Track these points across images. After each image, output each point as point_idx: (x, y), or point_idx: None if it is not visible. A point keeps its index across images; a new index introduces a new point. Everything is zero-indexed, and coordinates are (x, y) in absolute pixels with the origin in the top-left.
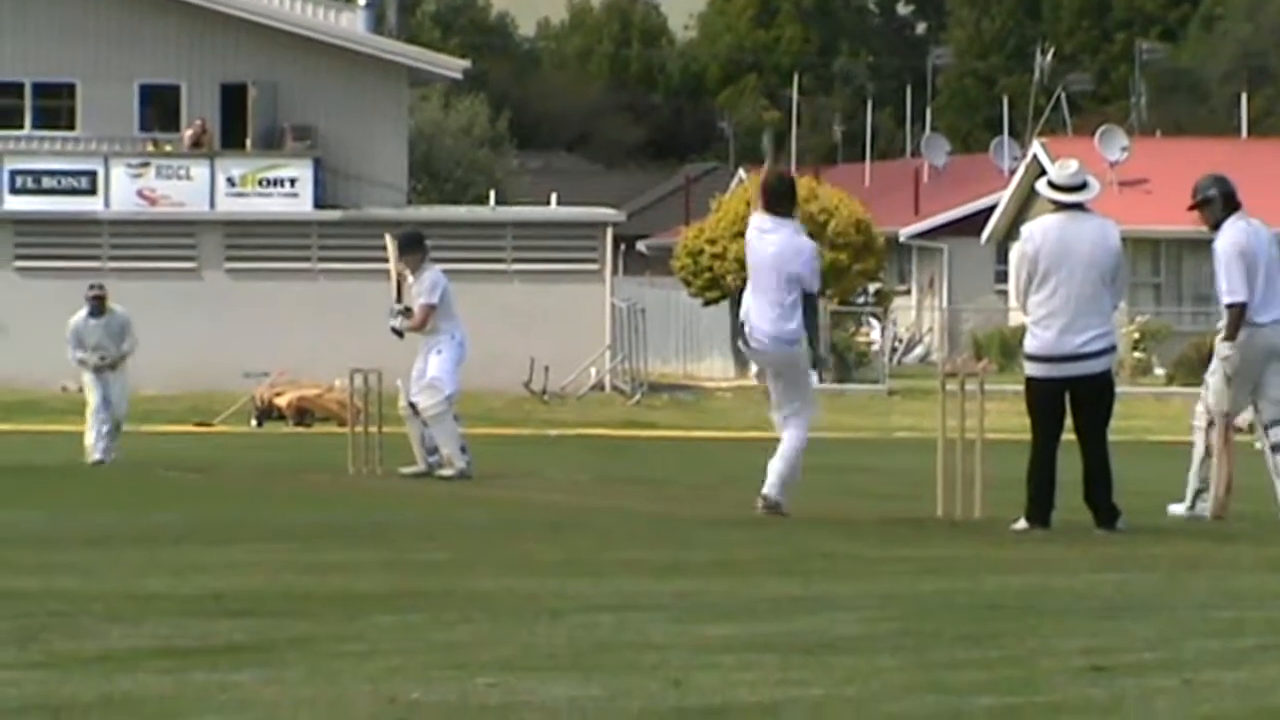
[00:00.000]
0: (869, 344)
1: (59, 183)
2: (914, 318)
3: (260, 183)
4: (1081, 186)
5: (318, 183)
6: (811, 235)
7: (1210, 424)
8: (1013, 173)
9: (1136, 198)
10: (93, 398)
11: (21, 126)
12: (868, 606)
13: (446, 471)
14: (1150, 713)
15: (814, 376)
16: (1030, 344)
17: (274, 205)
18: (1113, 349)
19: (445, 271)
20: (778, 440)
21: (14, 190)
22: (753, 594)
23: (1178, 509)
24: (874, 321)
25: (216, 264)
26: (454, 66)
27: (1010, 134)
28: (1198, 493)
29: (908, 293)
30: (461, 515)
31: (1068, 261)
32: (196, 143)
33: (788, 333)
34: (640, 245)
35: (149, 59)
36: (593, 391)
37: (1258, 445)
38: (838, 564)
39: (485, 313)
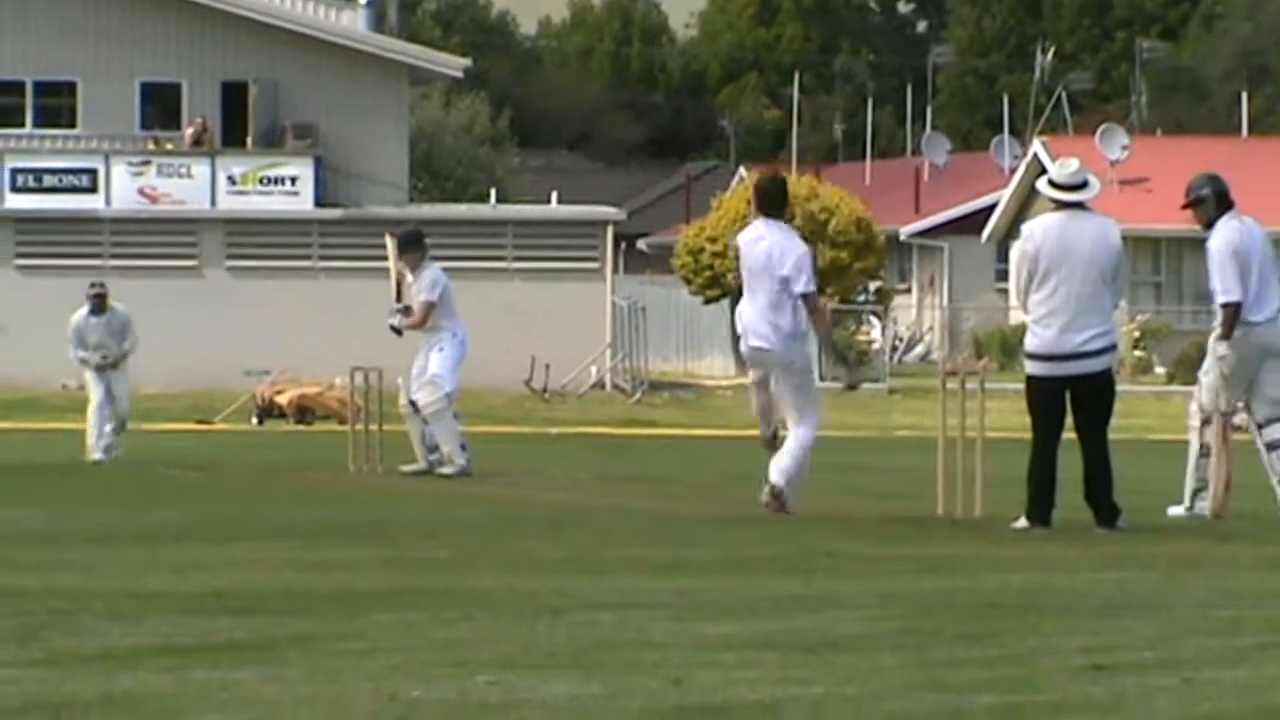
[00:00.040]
0: (870, 343)
1: (60, 181)
2: (914, 316)
3: (261, 181)
4: (1082, 185)
5: (318, 181)
6: (805, 238)
7: (1205, 422)
8: (1013, 171)
9: (1137, 196)
10: (94, 396)
11: (22, 125)
12: (868, 605)
13: (447, 469)
14: (1150, 711)
15: (815, 375)
16: (1031, 343)
17: (275, 203)
18: (1113, 348)
19: (446, 270)
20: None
21: (15, 188)
22: (753, 592)
23: (1177, 510)
24: (875, 320)
25: (217, 262)
26: (455, 65)
27: (1011, 132)
28: (1196, 492)
29: (908, 291)
30: (462, 513)
31: (1068, 260)
32: (197, 141)
33: (786, 332)
34: (641, 244)
35: (150, 57)
36: (593, 390)
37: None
38: (839, 562)
39: (486, 311)
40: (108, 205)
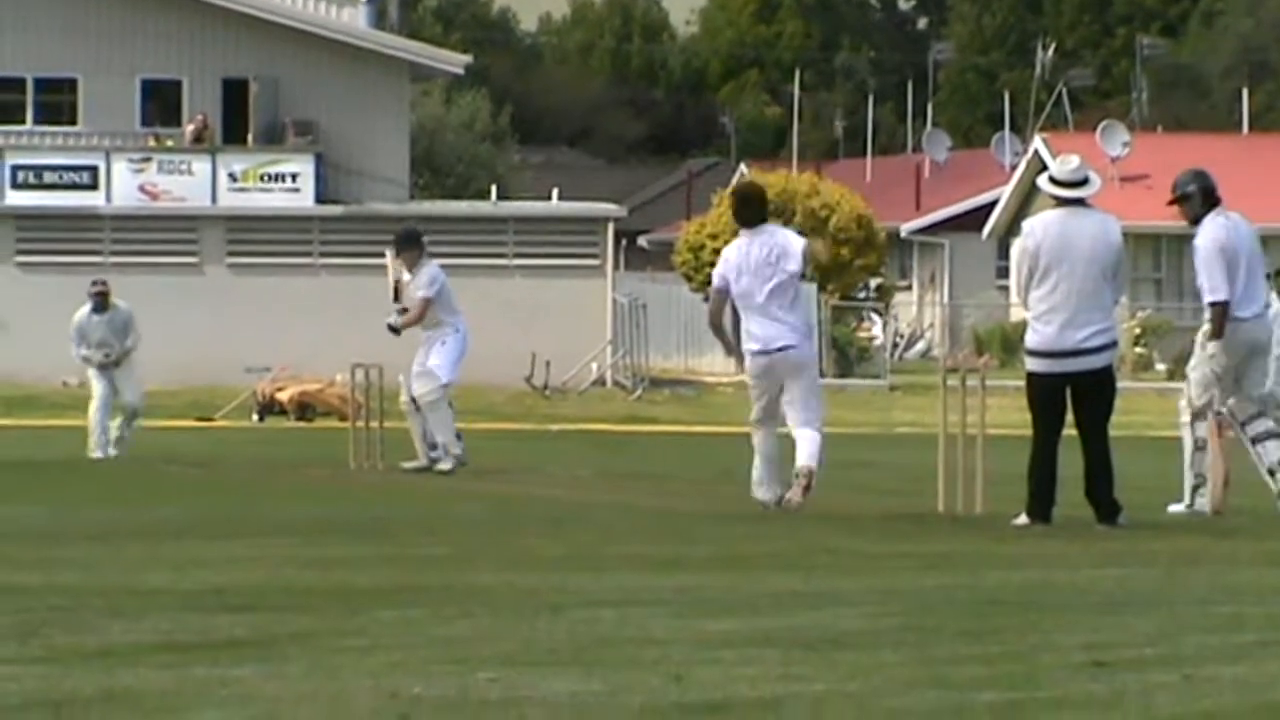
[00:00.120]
0: (870, 339)
1: (60, 178)
2: (915, 313)
3: (262, 178)
4: (1083, 182)
5: (319, 178)
6: (801, 233)
7: (1195, 417)
8: (1014, 168)
9: (1137, 193)
10: (96, 394)
11: (23, 121)
12: (869, 602)
13: (445, 465)
14: (1150, 708)
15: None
16: (1031, 339)
17: (275, 200)
18: (1114, 344)
19: (447, 267)
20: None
21: (15, 185)
22: (754, 589)
23: (1177, 508)
24: (875, 317)
25: (218, 259)
26: (456, 62)
27: (1011, 129)
28: (1195, 488)
29: (909, 288)
30: (462, 510)
31: (1069, 257)
32: (198, 138)
33: (803, 331)
34: (641, 240)
35: (150, 54)
36: (594, 386)
37: None
38: (839, 559)
39: (486, 308)
40: (108, 202)
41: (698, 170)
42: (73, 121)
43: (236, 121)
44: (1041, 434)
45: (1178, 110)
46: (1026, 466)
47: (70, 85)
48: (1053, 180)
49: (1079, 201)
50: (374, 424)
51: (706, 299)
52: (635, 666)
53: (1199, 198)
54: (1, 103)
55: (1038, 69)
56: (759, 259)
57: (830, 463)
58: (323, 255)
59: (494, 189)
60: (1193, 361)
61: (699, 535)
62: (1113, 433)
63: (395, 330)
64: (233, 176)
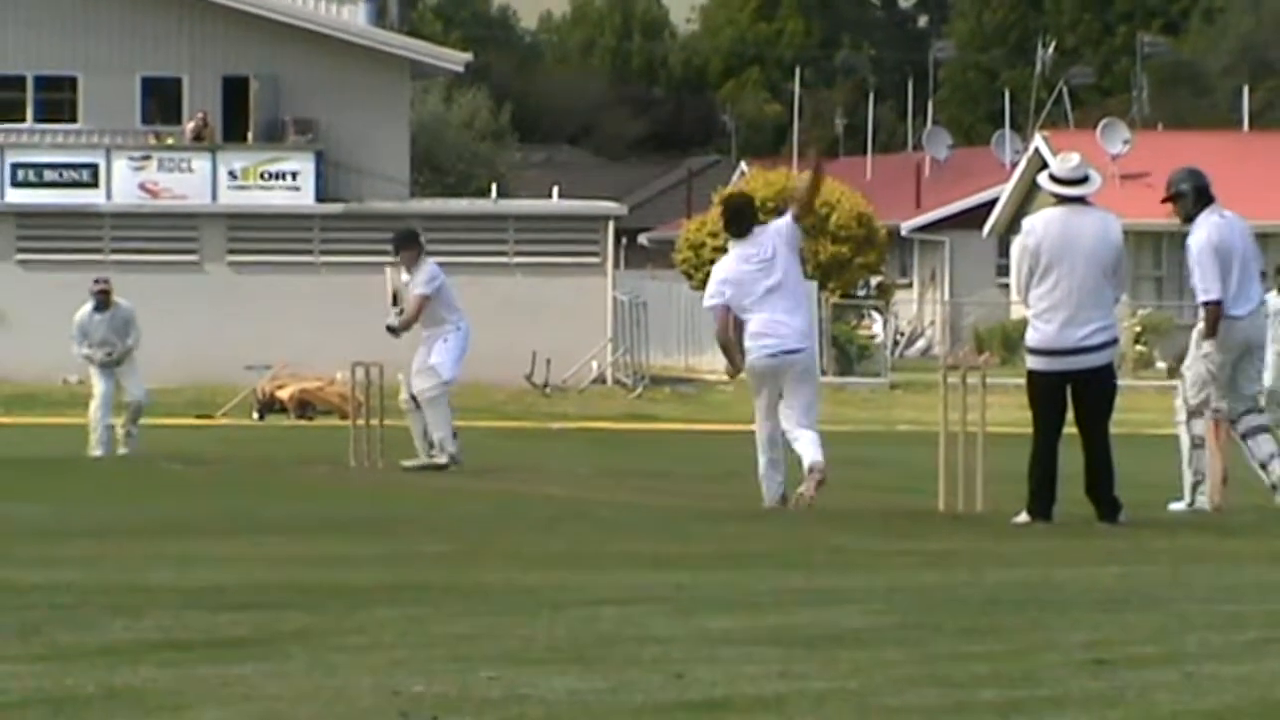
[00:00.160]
0: (871, 337)
1: (61, 175)
2: (916, 311)
3: (262, 176)
4: (1083, 180)
5: (319, 176)
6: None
7: (1191, 415)
8: (1014, 166)
9: (1138, 191)
10: (98, 392)
11: (23, 119)
12: (870, 599)
13: (440, 459)
14: (1152, 706)
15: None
16: (1032, 337)
17: (276, 198)
18: (1114, 342)
19: (447, 265)
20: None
21: (15, 183)
22: (755, 587)
23: (1178, 506)
24: (876, 315)
25: (218, 257)
26: (456, 60)
27: (1012, 127)
28: (1195, 485)
29: (909, 286)
30: (463, 508)
31: (1069, 255)
32: (198, 136)
33: (809, 331)
34: (642, 238)
35: (151, 52)
36: (594, 385)
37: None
38: (840, 557)
39: (487, 306)
40: (109, 200)
41: (698, 168)
42: (73, 119)
43: (237, 119)
44: (1042, 432)
45: (1178, 108)
46: (1027, 464)
47: (70, 83)
48: (1053, 178)
49: (1079, 199)
50: (374, 422)
51: (709, 296)
52: (636, 664)
53: (1192, 196)
54: (2, 100)
55: (1038, 67)
56: (755, 260)
57: (831, 461)
58: (323, 253)
59: (494, 187)
60: (1188, 360)
61: (699, 533)
62: (1113, 430)
63: (394, 331)
64: (233, 174)
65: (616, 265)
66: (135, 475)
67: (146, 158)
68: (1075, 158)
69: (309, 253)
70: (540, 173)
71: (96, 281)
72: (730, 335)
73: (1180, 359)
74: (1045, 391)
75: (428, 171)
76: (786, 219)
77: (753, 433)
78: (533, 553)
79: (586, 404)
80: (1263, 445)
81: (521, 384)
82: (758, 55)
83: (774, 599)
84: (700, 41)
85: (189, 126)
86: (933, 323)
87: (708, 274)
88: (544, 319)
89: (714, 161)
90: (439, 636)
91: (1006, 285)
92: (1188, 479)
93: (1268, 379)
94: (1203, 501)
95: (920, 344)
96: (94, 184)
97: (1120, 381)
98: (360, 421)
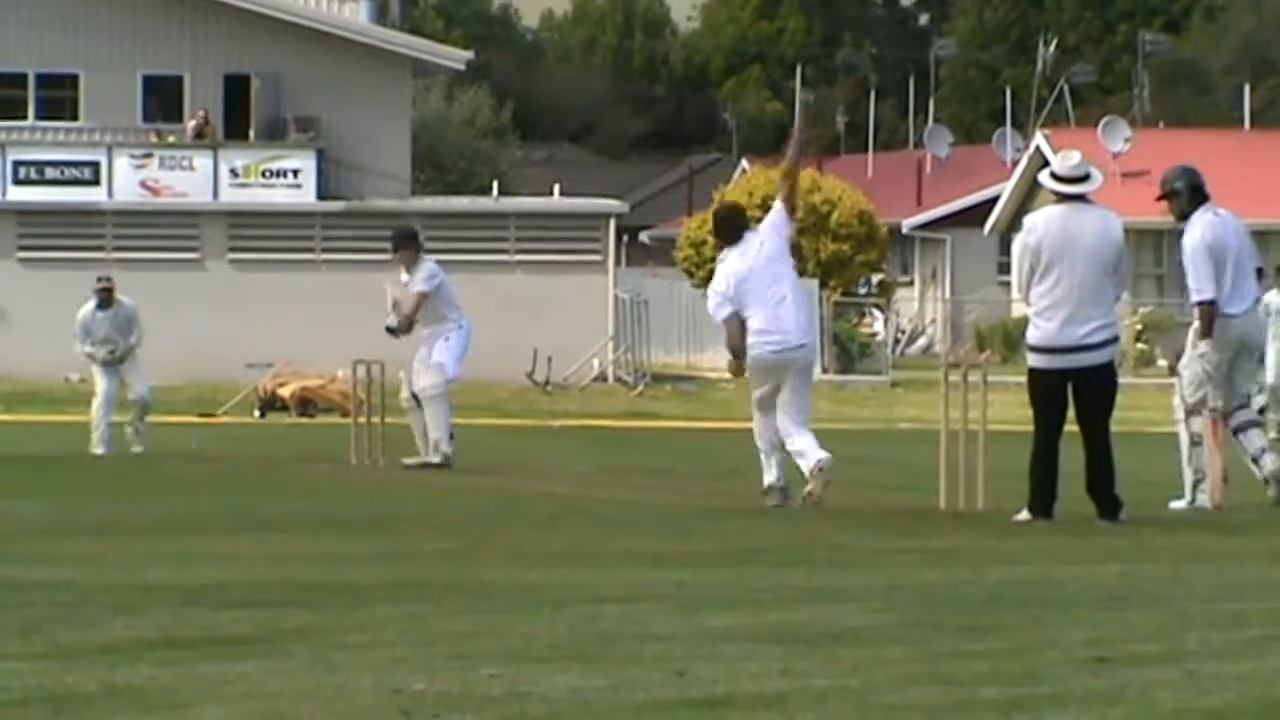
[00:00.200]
0: (872, 335)
1: (62, 173)
2: (917, 309)
3: (263, 174)
4: (1084, 178)
5: (321, 174)
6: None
7: (1190, 413)
8: (1015, 164)
9: (1139, 189)
10: (100, 390)
11: (25, 117)
12: (871, 597)
13: (433, 458)
14: (1153, 704)
15: None
16: (1033, 335)
17: (277, 196)
18: (1115, 340)
19: (449, 262)
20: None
21: (17, 181)
22: (756, 585)
23: (1179, 504)
24: (877, 313)
25: (219, 255)
26: (457, 58)
27: (1013, 125)
28: (1195, 483)
29: (911, 284)
30: (464, 506)
31: (1070, 253)
32: (199, 133)
33: (810, 326)
34: (643, 236)
35: (152, 50)
36: (595, 382)
37: (1271, 434)
38: (841, 554)
39: (488, 303)
40: (110, 198)
41: (699, 166)
42: (74, 117)
43: (238, 117)
44: (1043, 430)
45: (1179, 106)
46: (1028, 462)
47: (72, 81)
48: (1054, 176)
49: (1080, 197)
50: (375, 420)
51: (717, 308)
52: (637, 662)
53: (1186, 195)
54: (3, 98)
55: (1039, 65)
56: (752, 256)
57: (832, 458)
58: (324, 251)
59: (496, 185)
60: (1184, 359)
61: (700, 531)
62: (1114, 428)
63: (394, 332)
64: (234, 172)
65: (618, 263)
66: (136, 473)
67: (148, 155)
68: (1076, 156)
69: (310, 250)
70: (541, 170)
71: (99, 279)
72: (740, 342)
73: (1180, 357)
74: (1046, 389)
75: (429, 169)
76: (777, 206)
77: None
78: (534, 550)
79: (588, 402)
80: (1254, 440)
81: (523, 382)
82: (759, 53)
83: (775, 597)
84: (701, 40)
85: (190, 124)
86: (934, 321)
87: (709, 272)
88: (545, 317)
89: (715, 160)
90: (440, 634)
91: (1007, 283)
92: (1188, 477)
93: (1270, 377)
94: (1204, 500)
95: (921, 342)
96: (95, 182)
97: (1121, 379)
98: (361, 419)
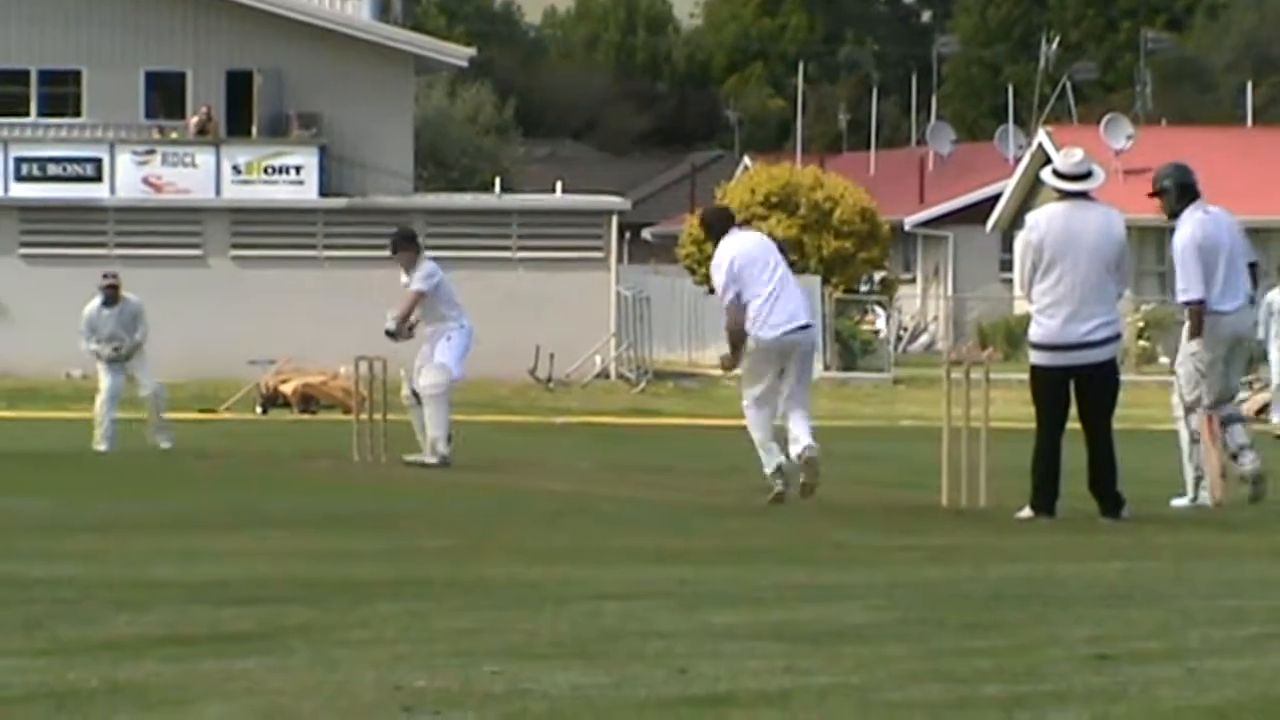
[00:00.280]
0: (874, 332)
1: (64, 170)
2: (919, 306)
3: (266, 170)
4: (1086, 175)
5: (323, 170)
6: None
7: (1188, 411)
8: (1018, 161)
9: (1141, 186)
10: (104, 387)
11: (27, 113)
12: (873, 595)
13: (430, 459)
14: (1154, 701)
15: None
16: (1035, 332)
17: (279, 193)
18: (1117, 337)
19: (451, 260)
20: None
21: (19, 177)
22: (758, 582)
23: (1181, 502)
24: (879, 310)
25: (222, 251)
26: (460, 54)
27: (1015, 122)
28: (1196, 481)
29: (913, 281)
30: (465, 503)
31: (1072, 250)
32: (202, 130)
33: (812, 309)
34: (645, 233)
35: (155, 46)
36: (597, 379)
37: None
38: (843, 552)
39: (490, 300)
40: (112, 194)
41: (701, 163)
42: (77, 113)
43: (240, 114)
44: (1045, 427)
45: (1182, 104)
46: (1030, 460)
47: (74, 77)
48: (1056, 173)
49: (1082, 195)
50: (377, 417)
51: (710, 291)
52: (639, 659)
53: (1174, 193)
54: (6, 95)
55: (1042, 62)
56: (755, 246)
57: (834, 456)
58: (327, 248)
59: (498, 182)
60: (1179, 358)
61: (702, 528)
62: (1116, 426)
63: (394, 335)
64: (237, 169)
65: (620, 260)
66: (138, 470)
67: (150, 152)
68: (1078, 153)
69: (312, 247)
70: (544, 168)
71: (105, 276)
72: (742, 325)
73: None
74: (1048, 386)
75: (431, 166)
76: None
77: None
78: (535, 547)
79: (590, 399)
80: (1235, 436)
81: (525, 379)
82: (761, 50)
83: (777, 594)
84: (704, 36)
85: (193, 121)
86: (936, 318)
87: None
88: (547, 314)
89: (717, 156)
90: (441, 631)
91: (1010, 280)
92: (1189, 475)
93: (1275, 377)
94: (1205, 498)
95: (923, 339)
96: (98, 178)
97: (1123, 377)
98: (363, 416)
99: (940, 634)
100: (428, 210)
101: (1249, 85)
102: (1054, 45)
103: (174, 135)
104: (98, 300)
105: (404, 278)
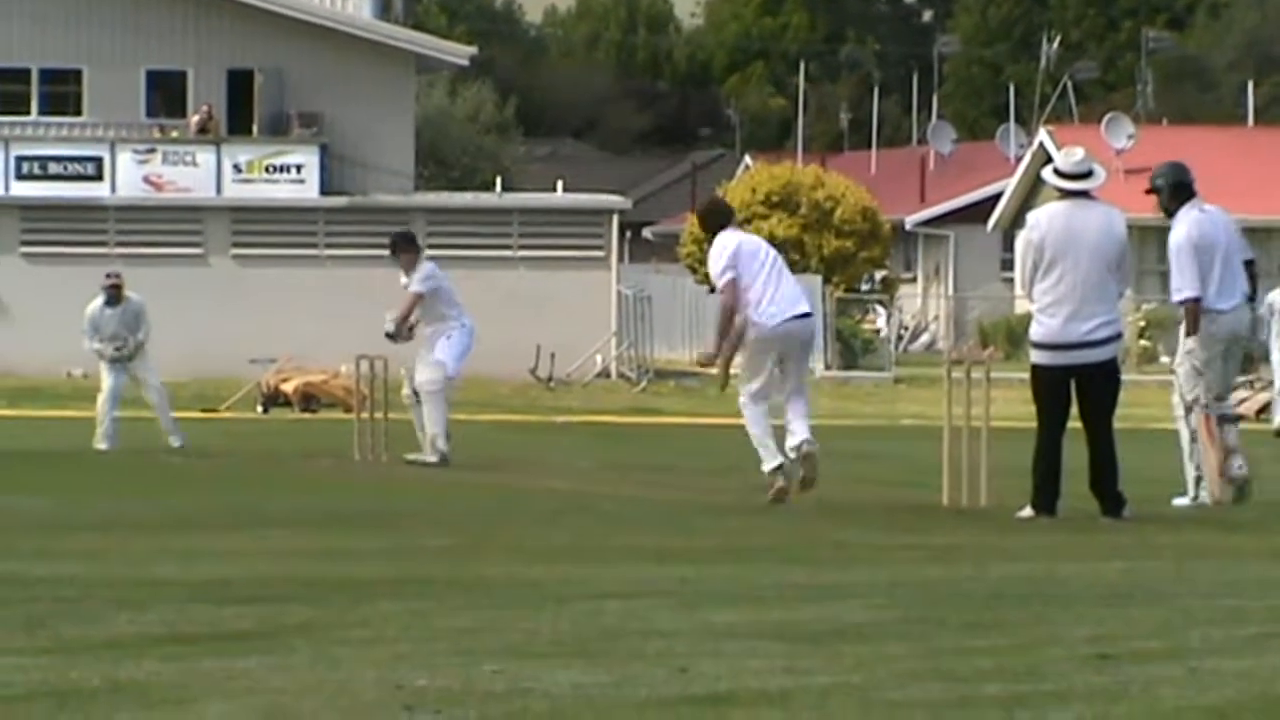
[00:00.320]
0: (875, 332)
1: (65, 168)
2: (920, 305)
3: (267, 169)
4: (1087, 174)
5: (324, 169)
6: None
7: (1187, 412)
8: (1019, 160)
9: (1142, 186)
10: (106, 386)
11: (28, 112)
12: (874, 594)
13: (429, 457)
14: (1155, 701)
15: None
16: (1036, 331)
17: (280, 191)
18: (1119, 336)
19: (451, 259)
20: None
21: (20, 176)
22: (759, 581)
23: (1182, 501)
24: (880, 309)
25: (223, 250)
26: (461, 53)
27: (1017, 121)
28: (1197, 480)
29: (914, 280)
30: (466, 502)
31: (1073, 249)
32: (203, 129)
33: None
34: (646, 232)
35: (155, 45)
36: (598, 378)
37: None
38: (844, 551)
39: (491, 299)
40: (113, 193)
41: (702, 162)
42: (78, 112)
43: (241, 112)
44: (1046, 426)
45: (1183, 103)
46: (1031, 459)
47: (75, 76)
48: (1057, 172)
49: (1083, 194)
50: (378, 415)
51: (711, 290)
52: (640, 658)
53: (1166, 191)
54: (7, 93)
55: (1043, 61)
56: (753, 240)
57: (835, 454)
58: (327, 247)
59: (499, 181)
60: (1177, 357)
61: (703, 527)
62: (1117, 425)
63: (393, 337)
64: (237, 168)
65: (621, 259)
66: (139, 469)
67: (151, 151)
68: (1079, 152)
69: (313, 246)
70: (544, 166)
71: (108, 276)
72: (737, 302)
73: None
74: (1049, 386)
75: (432, 165)
76: None
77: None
78: (536, 546)
79: (590, 398)
80: (1229, 437)
81: (525, 378)
82: (762, 50)
83: (778, 593)
84: (705, 36)
85: (194, 120)
86: (937, 317)
87: None
88: (548, 313)
89: (718, 156)
90: (442, 630)
91: (1010, 279)
92: (1190, 474)
93: (1277, 376)
94: (1205, 496)
95: (924, 338)
96: (98, 177)
97: (1124, 376)
98: (364, 415)
99: (941, 633)
100: (428, 209)
101: (1250, 84)
102: (1055, 44)
103: (175, 134)
104: (100, 300)
105: (403, 279)
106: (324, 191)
